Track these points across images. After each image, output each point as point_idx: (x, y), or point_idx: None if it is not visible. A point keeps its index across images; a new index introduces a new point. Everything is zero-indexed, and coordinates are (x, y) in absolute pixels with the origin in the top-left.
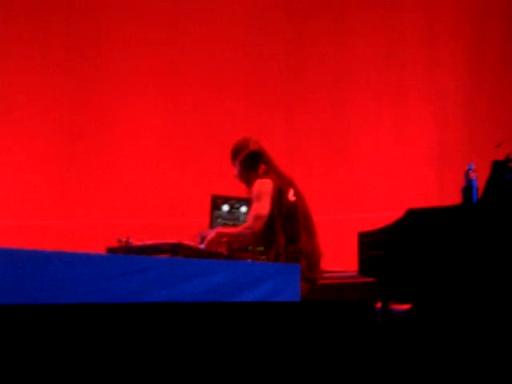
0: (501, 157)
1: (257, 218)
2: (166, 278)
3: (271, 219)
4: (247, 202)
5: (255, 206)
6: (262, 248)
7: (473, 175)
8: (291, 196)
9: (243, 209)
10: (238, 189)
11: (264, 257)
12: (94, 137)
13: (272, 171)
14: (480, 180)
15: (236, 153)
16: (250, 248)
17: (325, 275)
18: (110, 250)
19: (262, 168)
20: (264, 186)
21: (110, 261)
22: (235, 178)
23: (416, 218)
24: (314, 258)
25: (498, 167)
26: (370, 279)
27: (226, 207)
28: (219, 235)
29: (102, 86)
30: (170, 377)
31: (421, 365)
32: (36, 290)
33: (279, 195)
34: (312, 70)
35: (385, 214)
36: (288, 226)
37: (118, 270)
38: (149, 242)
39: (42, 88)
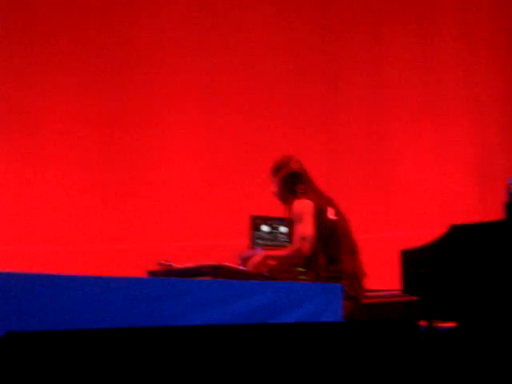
0: None
1: (303, 239)
2: (207, 301)
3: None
4: (286, 221)
5: (299, 227)
6: (302, 268)
7: None
8: (331, 215)
9: (282, 229)
10: (277, 209)
11: (304, 277)
12: (133, 160)
13: (311, 191)
14: None
15: (277, 170)
16: (298, 269)
17: (368, 294)
18: (151, 273)
19: (301, 188)
20: (305, 207)
21: (151, 284)
22: (272, 194)
23: (459, 234)
24: (356, 277)
25: None
26: (414, 298)
27: (265, 227)
28: (266, 257)
29: (139, 109)
30: None
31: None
32: (77, 314)
33: (319, 215)
34: (350, 88)
35: (427, 232)
36: (328, 246)
37: (159, 293)
38: (189, 265)
39: (79, 113)
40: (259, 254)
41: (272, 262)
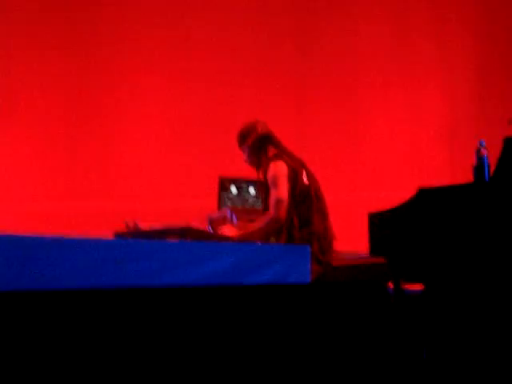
0: None
1: (279, 202)
2: (175, 263)
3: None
4: (255, 183)
5: (274, 192)
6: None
7: (484, 152)
8: (304, 178)
9: (251, 190)
10: (246, 170)
11: (273, 238)
12: (100, 120)
13: (284, 153)
14: (492, 157)
15: (243, 138)
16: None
17: (335, 256)
18: (118, 235)
19: (272, 151)
20: (278, 170)
21: (118, 246)
22: (245, 162)
23: (427, 197)
24: (327, 240)
25: (510, 144)
26: (381, 260)
27: (234, 189)
28: (245, 237)
29: (108, 68)
30: (176, 361)
31: (432, 345)
32: (43, 275)
33: (293, 177)
34: (321, 53)
35: (396, 193)
36: (301, 209)
37: (126, 255)
38: (157, 226)
39: (45, 72)
40: (231, 231)
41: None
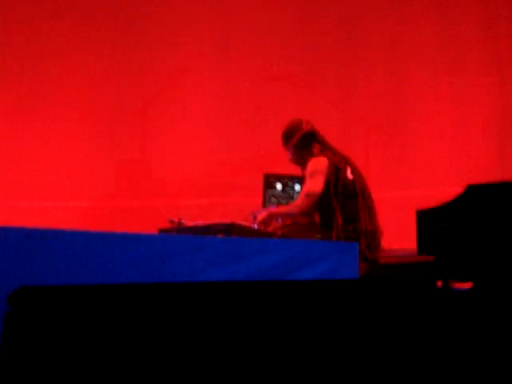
0: None
1: (307, 195)
2: (220, 258)
3: (328, 198)
4: (300, 180)
5: (307, 183)
6: (317, 228)
7: None
8: (349, 174)
9: (297, 187)
10: (292, 167)
11: (320, 235)
12: (144, 117)
13: (327, 150)
14: None
15: (288, 137)
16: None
17: (383, 254)
18: (162, 231)
19: (317, 147)
20: (318, 164)
21: (163, 241)
22: (290, 162)
23: (476, 194)
24: (374, 237)
25: None
26: (429, 258)
27: (279, 185)
28: (270, 215)
29: (154, 68)
30: (227, 355)
31: (481, 345)
32: (89, 271)
33: (336, 173)
34: (367, 48)
35: (444, 190)
36: (346, 205)
37: (171, 251)
38: (201, 223)
39: (92, 70)
40: (264, 211)
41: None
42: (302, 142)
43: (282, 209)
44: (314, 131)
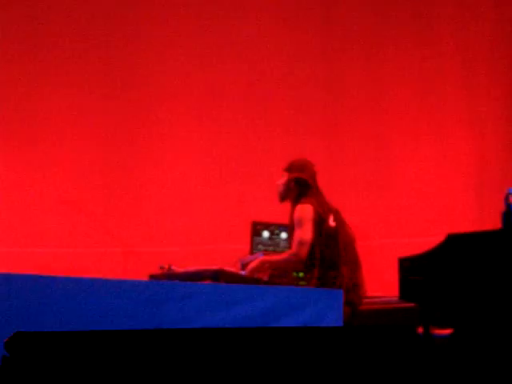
0: None
1: (301, 243)
2: (209, 304)
3: (311, 245)
4: (287, 228)
5: (298, 232)
6: (302, 274)
7: None
8: (331, 222)
9: (283, 235)
10: (279, 215)
11: (304, 282)
12: (135, 165)
13: (313, 196)
14: None
15: (291, 168)
16: (294, 274)
17: (366, 301)
18: (153, 277)
19: (306, 195)
20: (305, 212)
21: (153, 287)
22: (275, 185)
23: (456, 243)
24: (353, 286)
25: None
26: (411, 304)
27: (266, 233)
28: (263, 263)
29: (142, 115)
30: None
31: None
32: (80, 316)
33: (319, 221)
34: (351, 96)
35: (425, 239)
36: (328, 252)
37: (161, 297)
38: (191, 269)
39: (81, 118)
40: (257, 259)
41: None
42: (298, 183)
43: (276, 257)
44: (313, 184)
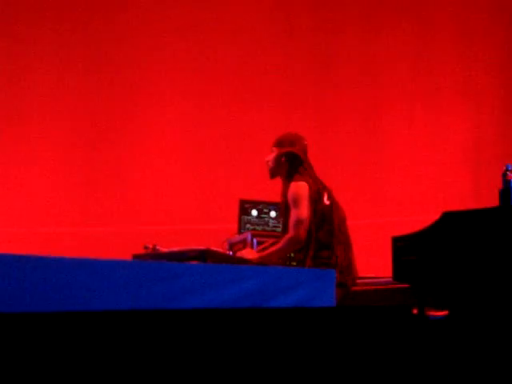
0: None
1: (299, 223)
2: (196, 285)
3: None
4: (276, 206)
5: (294, 211)
6: (292, 254)
7: (510, 176)
8: (325, 200)
9: (272, 213)
10: (267, 193)
11: (295, 263)
12: (119, 142)
13: (307, 174)
14: None
15: (281, 143)
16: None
17: (358, 281)
18: (137, 257)
19: (299, 171)
20: (300, 190)
21: (137, 267)
22: (265, 163)
23: (452, 221)
24: (347, 266)
25: None
26: (405, 285)
27: (254, 212)
28: (262, 259)
29: (127, 88)
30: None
31: (457, 370)
32: (61, 297)
33: (314, 199)
34: (342, 70)
35: (420, 218)
36: (321, 231)
37: (146, 277)
38: (176, 249)
39: (63, 92)
40: (251, 254)
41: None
42: (289, 158)
43: (275, 248)
44: (304, 157)
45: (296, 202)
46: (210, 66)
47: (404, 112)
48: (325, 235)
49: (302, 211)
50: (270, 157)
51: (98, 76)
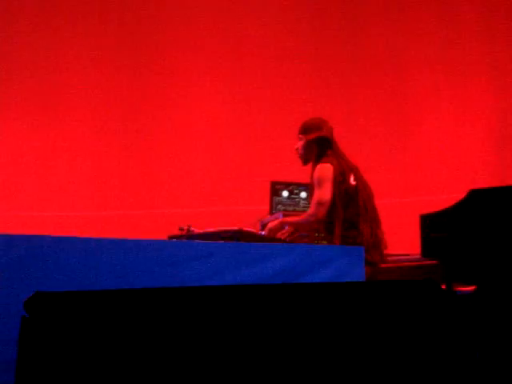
0: None
1: (319, 204)
2: (230, 264)
3: (332, 204)
4: (307, 187)
5: (317, 192)
6: (321, 234)
7: None
8: (352, 181)
9: (303, 194)
10: (298, 174)
11: (325, 242)
12: (154, 127)
13: (333, 155)
14: None
15: (308, 129)
16: (316, 234)
17: (387, 259)
18: (172, 238)
19: (327, 154)
20: (325, 172)
21: (173, 247)
22: (295, 151)
23: (479, 199)
24: (374, 245)
25: None
26: (433, 262)
27: (285, 193)
28: (282, 224)
29: (161, 75)
30: (237, 358)
31: (485, 346)
32: (101, 276)
33: (340, 180)
34: (370, 54)
35: (447, 196)
36: (348, 211)
37: (181, 256)
38: (210, 230)
39: (100, 82)
40: (276, 220)
41: (289, 228)
42: (318, 142)
43: (295, 218)
44: (331, 139)
45: (320, 183)
46: (238, 49)
47: (430, 90)
48: (351, 214)
49: (325, 192)
50: (299, 144)
51: (131, 63)
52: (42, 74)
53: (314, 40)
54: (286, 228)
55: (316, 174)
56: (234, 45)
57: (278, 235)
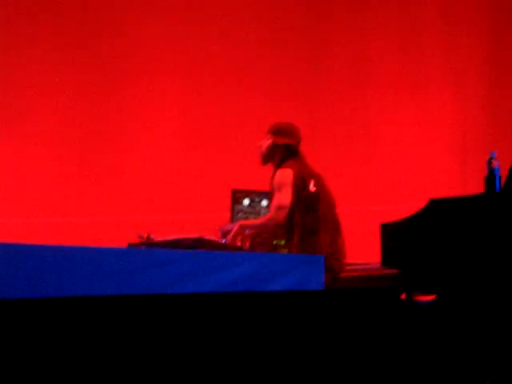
0: None
1: (279, 208)
2: (189, 272)
3: (291, 211)
4: (268, 195)
5: (276, 196)
6: (283, 242)
7: (495, 164)
8: (311, 187)
9: (264, 202)
10: (259, 182)
11: (285, 250)
12: (114, 133)
13: (294, 162)
14: (503, 168)
15: (278, 132)
16: (275, 242)
17: (347, 267)
18: (131, 246)
19: (289, 160)
20: (285, 176)
21: (132, 255)
22: (257, 147)
23: (438, 208)
24: (334, 249)
25: None
26: (393, 271)
27: (246, 201)
28: (242, 227)
29: (121, 82)
30: (193, 368)
31: (444, 354)
32: (58, 284)
33: (300, 186)
34: (331, 60)
35: (407, 205)
36: (308, 218)
37: (140, 265)
38: (170, 238)
39: (58, 86)
40: (235, 224)
41: (251, 231)
42: (284, 149)
43: (254, 221)
44: (298, 151)
45: (280, 187)
46: (202, 57)
47: (391, 100)
48: (310, 222)
49: (284, 196)
50: (264, 143)
51: (93, 66)
52: (2, 86)
53: (273, 48)
54: (248, 232)
55: (276, 179)
56: (194, 54)
57: (240, 243)
